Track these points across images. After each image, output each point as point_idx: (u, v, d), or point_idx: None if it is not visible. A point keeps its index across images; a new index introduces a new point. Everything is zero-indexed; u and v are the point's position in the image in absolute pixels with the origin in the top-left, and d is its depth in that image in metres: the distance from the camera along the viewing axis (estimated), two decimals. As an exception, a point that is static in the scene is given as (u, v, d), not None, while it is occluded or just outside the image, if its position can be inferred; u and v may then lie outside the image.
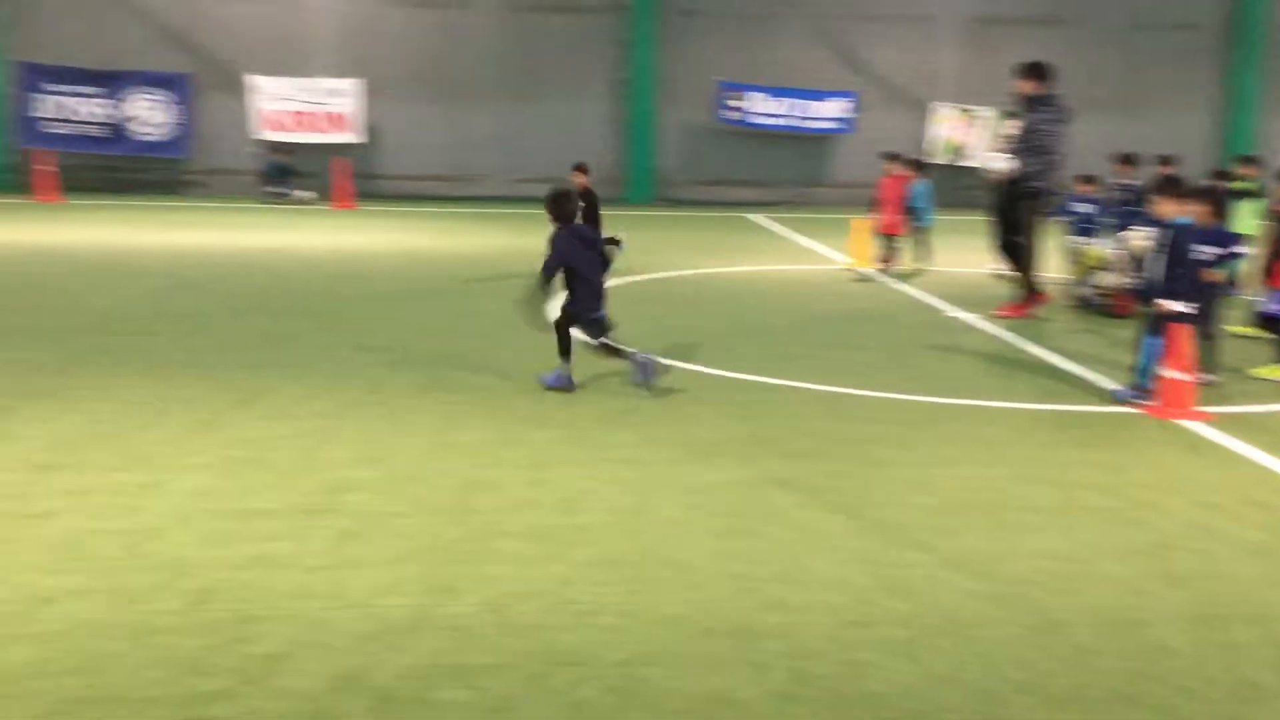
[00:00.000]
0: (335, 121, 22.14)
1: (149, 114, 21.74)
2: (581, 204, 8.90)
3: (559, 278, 7.25)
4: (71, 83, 21.39)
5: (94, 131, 21.66)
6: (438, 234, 16.90)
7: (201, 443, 5.98)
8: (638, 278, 12.19)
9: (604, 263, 7.42)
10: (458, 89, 22.92)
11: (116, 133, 21.74)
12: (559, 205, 7.33)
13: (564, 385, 7.25)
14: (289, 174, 21.47)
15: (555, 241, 7.23)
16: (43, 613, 3.95)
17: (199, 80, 21.94)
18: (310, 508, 5.04)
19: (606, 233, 8.01)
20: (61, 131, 21.46)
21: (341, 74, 22.18)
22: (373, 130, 22.42)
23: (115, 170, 22.02)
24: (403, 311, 10.26)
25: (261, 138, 22.07)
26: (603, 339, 7.33)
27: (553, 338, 7.32)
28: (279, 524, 4.83)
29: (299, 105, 22.01)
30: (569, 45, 23.03)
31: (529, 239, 16.10)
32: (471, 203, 21.95)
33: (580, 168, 11.56)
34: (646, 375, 7.16)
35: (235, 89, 21.99)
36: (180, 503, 5.06)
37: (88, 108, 21.54)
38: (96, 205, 19.35)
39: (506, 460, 5.82)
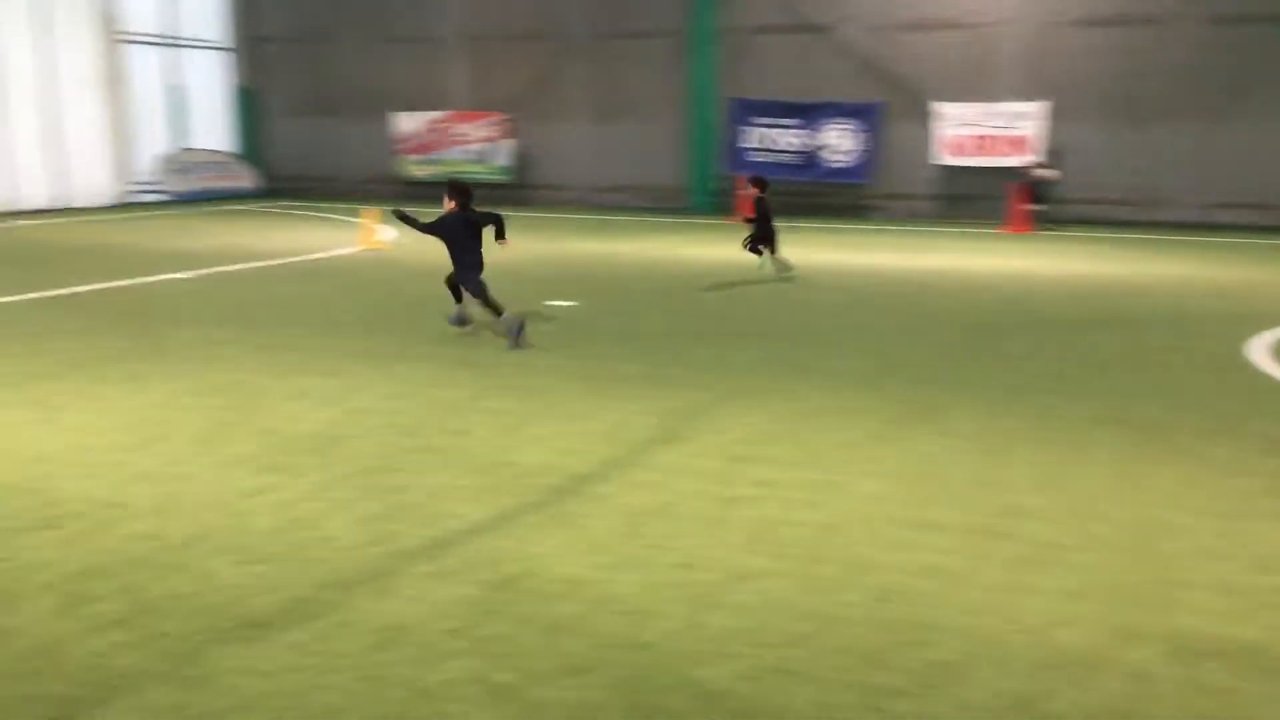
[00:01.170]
0: (1016, 145, 21.93)
1: (839, 142, 23.25)
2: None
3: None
4: (774, 115, 23.58)
5: (789, 159, 23.66)
6: (1116, 260, 16.01)
7: (877, 451, 6.26)
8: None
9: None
10: (1144, 108, 21.52)
11: (808, 160, 23.54)
12: (460, 193, 9.56)
13: (458, 322, 9.85)
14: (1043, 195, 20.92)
15: (445, 219, 9.48)
16: (740, 587, 4.40)
17: (888, 108, 22.99)
18: (985, 528, 5.05)
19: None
20: (762, 160, 23.74)
21: (1026, 97, 21.93)
22: (1054, 153, 21.86)
23: (804, 195, 23.87)
24: (1073, 339, 9.87)
25: (941, 162, 22.56)
26: (481, 298, 9.43)
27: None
28: (954, 539, 4.90)
29: (982, 130, 22.14)
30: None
31: (1221, 269, 14.75)
32: (1156, 228, 20.49)
33: (755, 181, 13.87)
34: (513, 333, 9.17)
35: (919, 115, 22.72)
36: (859, 505, 5.35)
37: (786, 138, 23.59)
38: (785, 227, 21.05)
39: (1190, 504, 5.35)
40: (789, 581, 4.44)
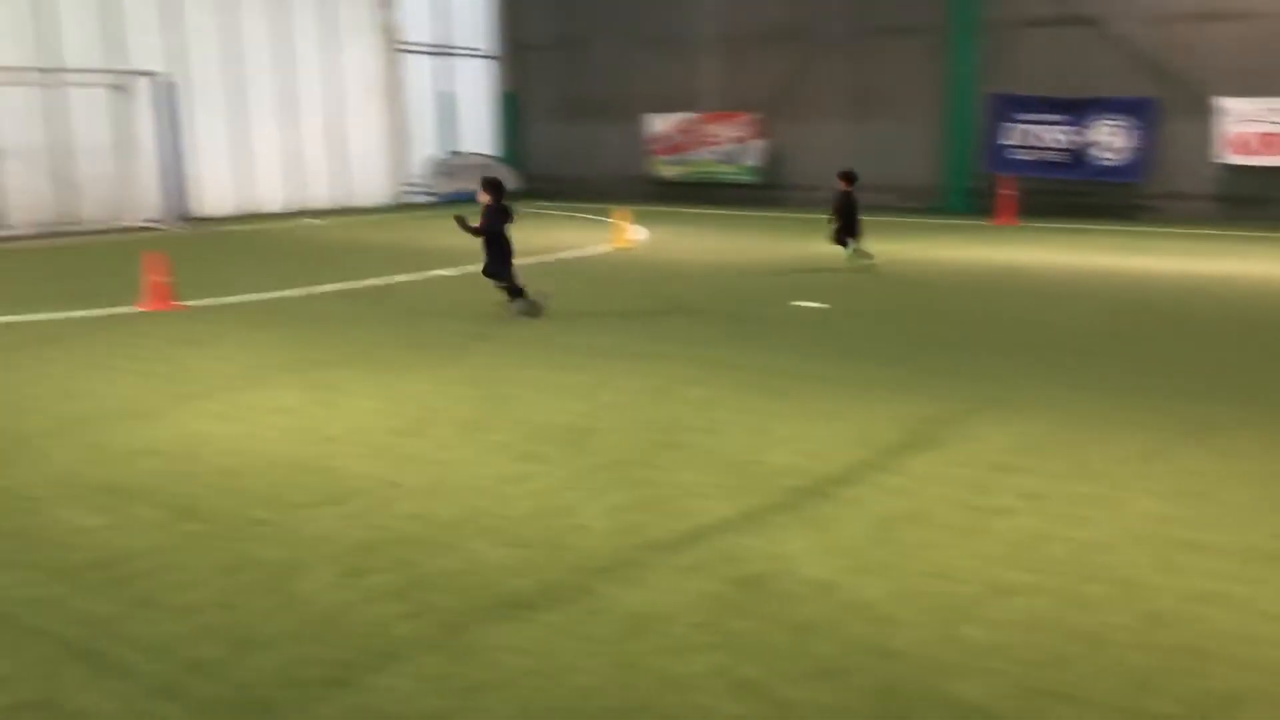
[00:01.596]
0: (1310, 142, 20.10)
1: (1110, 140, 21.99)
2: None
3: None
4: (1039, 111, 22.55)
5: (1054, 158, 22.56)
6: None
7: (1151, 467, 5.89)
8: None
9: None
10: None
11: (1076, 158, 22.38)
12: (495, 188, 10.57)
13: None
14: None
15: (488, 213, 10.41)
16: (998, 601, 4.24)
17: (1163, 104, 21.57)
18: (1267, 553, 4.66)
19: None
20: (1025, 158, 22.75)
21: (1325, 89, 20.06)
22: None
23: (1070, 195, 22.71)
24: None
25: (1224, 161, 20.96)
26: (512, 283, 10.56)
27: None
28: (1233, 563, 4.56)
29: (1270, 127, 20.42)
30: None
31: None
32: None
33: (845, 176, 14.37)
34: (528, 307, 10.46)
35: (1199, 111, 21.18)
36: (1131, 523, 5.04)
37: (1051, 135, 22.52)
38: (1049, 228, 20.16)
39: None
40: (1053, 599, 4.24)
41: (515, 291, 10.74)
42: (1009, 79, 22.96)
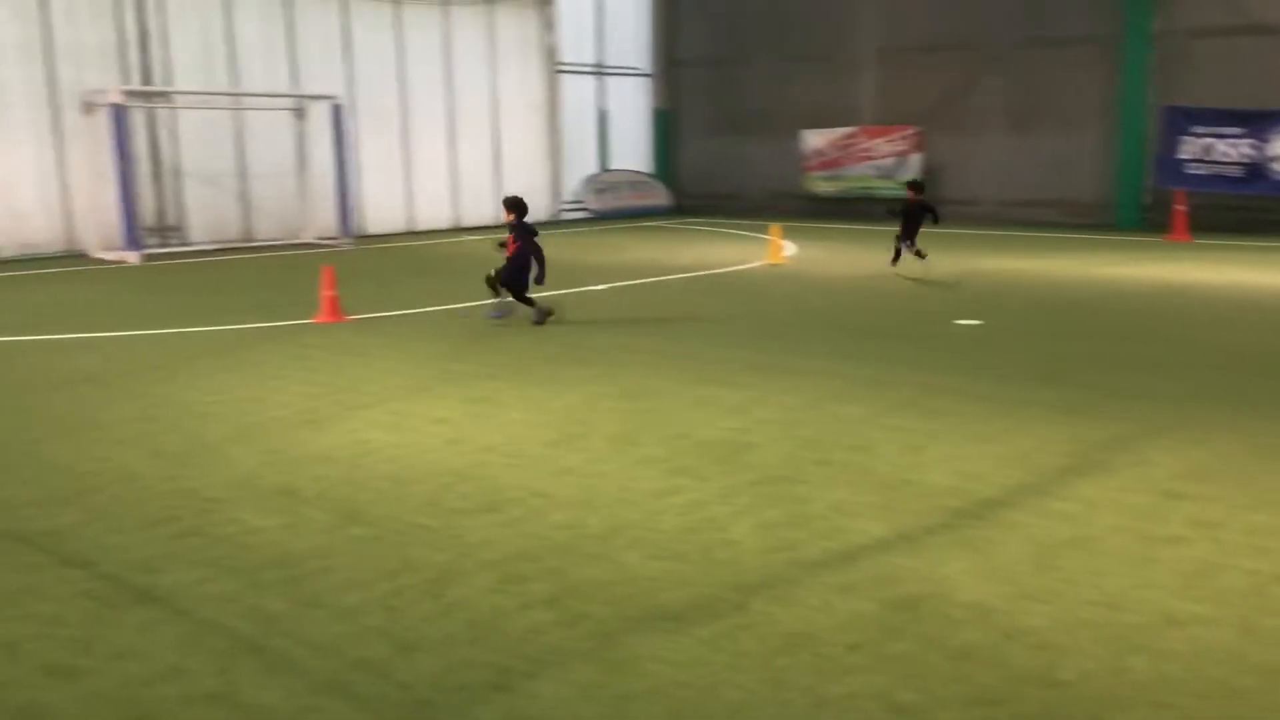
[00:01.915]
0: None
1: (1294, 152, 20.78)
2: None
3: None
4: (1216, 124, 21.49)
5: (1232, 172, 21.47)
6: None
7: (1339, 497, 5.54)
8: None
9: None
10: None
11: (1255, 173, 21.24)
12: (517, 207, 11.30)
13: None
14: None
15: (522, 233, 11.17)
16: (1170, 633, 4.05)
17: (1352, 113, 20.28)
18: None
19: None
20: (1199, 172, 21.71)
21: None
22: None
23: (1249, 210, 21.56)
24: None
25: None
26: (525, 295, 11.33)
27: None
28: None
29: None
30: None
31: None
32: None
33: (912, 185, 15.68)
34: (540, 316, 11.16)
35: (1396, 120, 19.84)
36: (1315, 555, 4.76)
37: (1228, 148, 21.43)
38: (1224, 245, 19.19)
39: None
40: (1229, 631, 4.03)
41: (528, 301, 11.40)
42: (1184, 90, 21.98)
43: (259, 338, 10.89)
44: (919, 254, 14.78)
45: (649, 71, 30.60)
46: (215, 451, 6.76)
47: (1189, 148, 21.85)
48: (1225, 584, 4.47)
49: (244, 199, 22.15)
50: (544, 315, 11.34)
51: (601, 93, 29.86)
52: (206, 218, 21.56)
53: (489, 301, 11.82)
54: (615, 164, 29.96)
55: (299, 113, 22.28)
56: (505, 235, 11.48)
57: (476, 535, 5.20)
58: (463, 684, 3.75)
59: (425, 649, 4.01)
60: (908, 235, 14.93)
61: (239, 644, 4.08)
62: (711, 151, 29.75)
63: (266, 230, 22.32)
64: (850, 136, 26.61)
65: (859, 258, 17.84)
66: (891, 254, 15.14)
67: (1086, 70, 23.30)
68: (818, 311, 12.26)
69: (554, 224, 27.14)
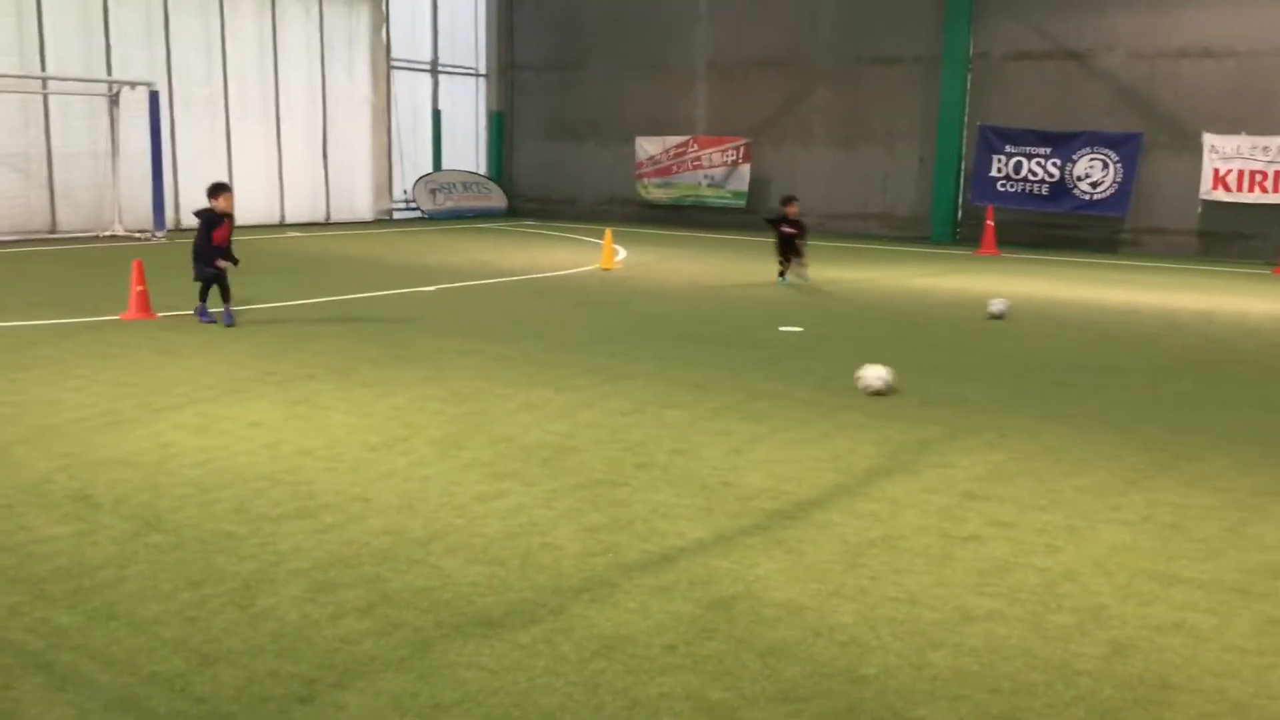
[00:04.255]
0: (1292, 180, 20.30)
1: (1093, 173, 22.15)
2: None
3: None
4: (1025, 144, 22.68)
5: (1039, 189, 22.70)
6: None
7: (1121, 498, 5.91)
8: None
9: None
10: None
11: (1060, 191, 22.51)
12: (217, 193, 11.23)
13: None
14: None
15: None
16: (966, 628, 4.24)
17: (1148, 140, 21.76)
18: (1236, 586, 4.68)
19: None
20: (1009, 189, 22.89)
21: (1306, 128, 20.27)
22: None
23: (1054, 227, 22.86)
24: (1359, 391, 9.02)
25: (1208, 197, 21.14)
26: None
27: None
28: (1201, 595, 4.57)
29: (1255, 164, 20.61)
30: None
31: None
32: None
33: (789, 200, 15.57)
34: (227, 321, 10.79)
35: (1183, 148, 21.39)
36: (1100, 553, 5.06)
37: (1036, 167, 22.65)
38: (1029, 259, 20.28)
39: None
40: (1020, 627, 4.24)
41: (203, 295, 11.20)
42: (997, 111, 23.16)
43: (59, 335, 10.29)
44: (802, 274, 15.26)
45: (485, 72, 30.35)
46: (4, 454, 6.35)
47: (1000, 166, 23.03)
48: (1018, 581, 4.71)
49: (50, 188, 20.91)
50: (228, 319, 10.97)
51: (436, 92, 29.44)
52: (8, 207, 20.25)
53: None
54: (449, 164, 29.59)
55: (112, 99, 21.19)
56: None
57: (288, 542, 5.03)
58: (266, 696, 3.62)
59: (227, 661, 3.85)
60: (787, 256, 15.28)
61: (24, 659, 3.84)
62: (546, 155, 29.72)
63: (75, 221, 21.13)
64: (683, 145, 27.00)
65: (689, 264, 18.12)
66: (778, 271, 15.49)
67: (905, 88, 24.29)
68: (647, 317, 12.37)
69: (385, 223, 26.60)
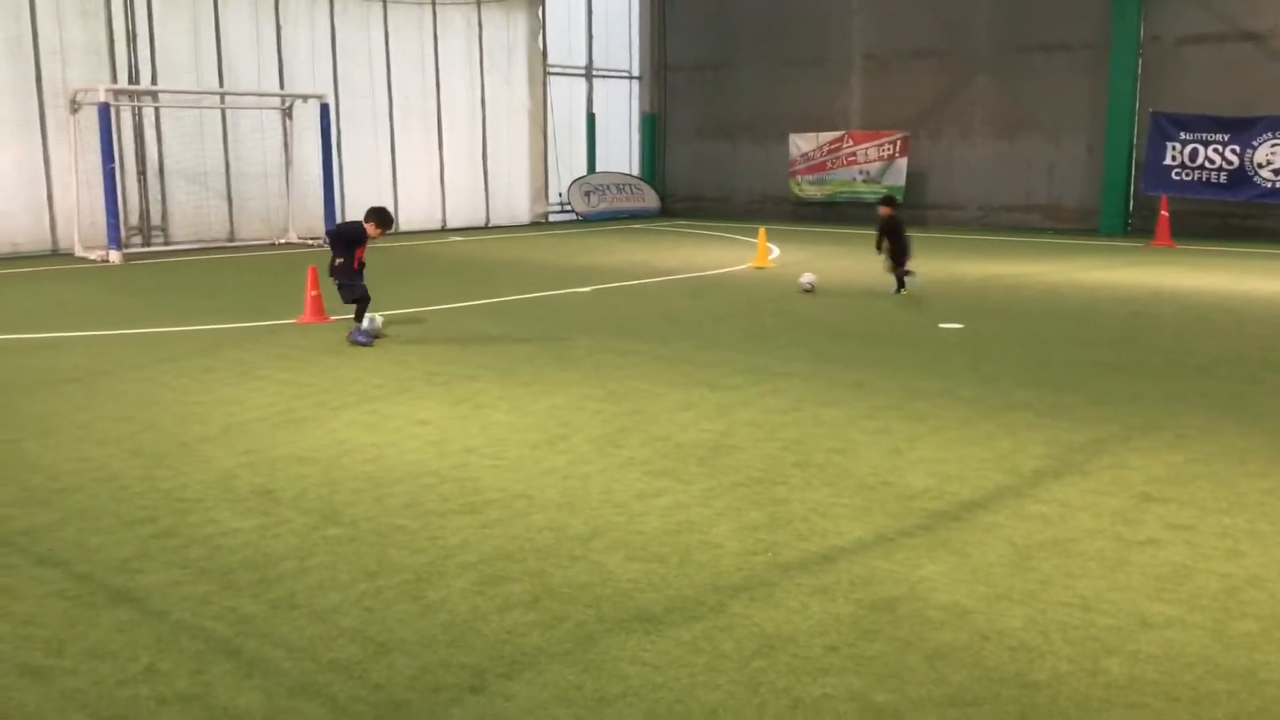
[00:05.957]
0: None
1: (1273, 160, 20.91)
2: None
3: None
4: (1202, 130, 21.58)
5: (1216, 178, 21.58)
6: None
7: (1315, 501, 5.57)
8: None
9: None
10: None
11: (1239, 179, 21.34)
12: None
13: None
14: None
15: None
16: (1143, 635, 4.07)
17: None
18: None
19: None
20: (1185, 178, 21.82)
21: None
22: None
23: (1233, 217, 21.68)
24: None
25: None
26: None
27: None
28: (1407, 607, 4.27)
29: None
30: None
31: None
32: None
33: (887, 201, 14.18)
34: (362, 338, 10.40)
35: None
36: (1290, 559, 4.79)
37: (1214, 155, 21.52)
38: (1205, 250, 19.29)
39: None
40: (1202, 634, 4.05)
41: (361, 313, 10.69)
42: (1171, 97, 22.09)
43: (241, 337, 10.85)
44: (907, 274, 13.62)
45: (638, 75, 30.61)
46: (194, 451, 6.73)
47: (1174, 154, 21.96)
48: (1198, 587, 4.49)
49: (228, 198, 22.07)
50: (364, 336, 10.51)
51: (591, 95, 29.85)
52: (190, 217, 21.46)
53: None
54: (603, 167, 29.95)
55: (285, 112, 22.22)
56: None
57: (456, 537, 5.19)
58: (438, 685, 3.75)
59: (401, 650, 4.00)
60: (900, 257, 13.59)
61: (214, 645, 4.07)
62: (698, 155, 29.78)
63: (250, 230, 22.24)
64: (837, 141, 26.67)
65: (844, 261, 17.88)
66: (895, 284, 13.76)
67: (1074, 76, 23.40)
68: (802, 315, 12.27)
69: (541, 226, 27.12)
